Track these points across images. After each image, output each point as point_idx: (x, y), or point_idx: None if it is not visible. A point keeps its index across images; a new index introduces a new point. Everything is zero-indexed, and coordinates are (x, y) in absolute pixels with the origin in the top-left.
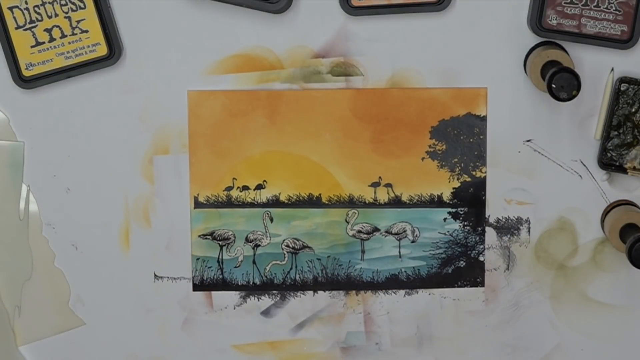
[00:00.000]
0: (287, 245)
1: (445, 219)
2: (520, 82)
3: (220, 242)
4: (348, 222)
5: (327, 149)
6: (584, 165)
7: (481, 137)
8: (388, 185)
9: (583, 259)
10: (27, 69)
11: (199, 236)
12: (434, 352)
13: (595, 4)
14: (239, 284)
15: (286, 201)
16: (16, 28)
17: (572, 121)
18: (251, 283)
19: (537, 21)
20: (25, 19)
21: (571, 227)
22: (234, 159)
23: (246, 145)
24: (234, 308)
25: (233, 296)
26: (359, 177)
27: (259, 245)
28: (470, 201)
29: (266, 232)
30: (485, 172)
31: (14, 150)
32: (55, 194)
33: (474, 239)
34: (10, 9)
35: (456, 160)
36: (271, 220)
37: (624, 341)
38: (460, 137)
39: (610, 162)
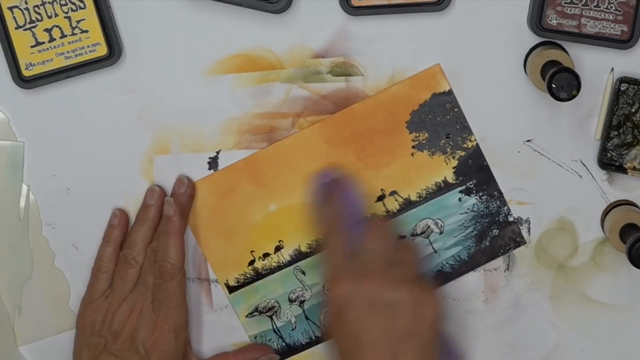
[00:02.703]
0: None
1: (460, 199)
2: (520, 82)
3: (268, 313)
4: None
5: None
6: (584, 165)
7: (455, 109)
8: (393, 193)
9: (583, 259)
10: (27, 69)
11: (246, 316)
12: None
13: (595, 4)
14: (303, 343)
15: (308, 250)
16: (16, 28)
17: (572, 121)
18: (313, 337)
19: (537, 21)
20: (25, 19)
21: (571, 227)
22: (243, 233)
23: (247, 216)
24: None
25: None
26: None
27: (304, 301)
28: (474, 172)
29: (304, 286)
30: (475, 140)
31: (14, 150)
32: (55, 194)
33: (495, 204)
34: (10, 9)
35: (443, 141)
36: (303, 273)
37: (624, 341)
38: (437, 119)
39: (610, 162)
